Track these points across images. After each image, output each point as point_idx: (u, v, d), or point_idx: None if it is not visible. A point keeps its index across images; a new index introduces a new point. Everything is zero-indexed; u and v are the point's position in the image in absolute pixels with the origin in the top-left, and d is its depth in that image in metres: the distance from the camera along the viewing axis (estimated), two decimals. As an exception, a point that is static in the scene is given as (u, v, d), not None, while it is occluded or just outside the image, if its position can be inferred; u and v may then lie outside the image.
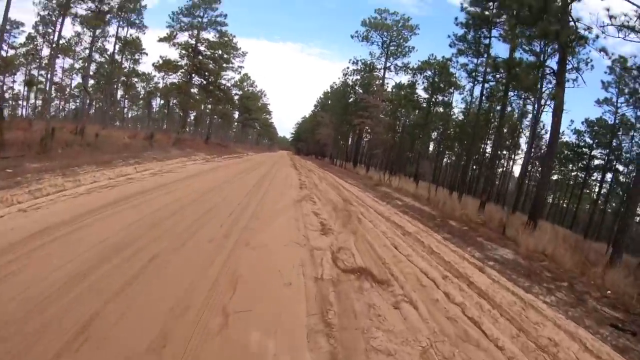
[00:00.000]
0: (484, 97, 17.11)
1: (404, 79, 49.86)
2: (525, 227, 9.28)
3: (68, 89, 35.47)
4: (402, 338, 2.55)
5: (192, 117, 49.53)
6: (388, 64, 27.91)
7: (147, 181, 7.11)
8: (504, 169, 32.76)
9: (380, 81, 28.05)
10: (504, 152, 32.05)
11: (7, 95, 33.58)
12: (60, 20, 22.58)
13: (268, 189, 8.45)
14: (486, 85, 16.52)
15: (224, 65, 28.99)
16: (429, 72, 25.98)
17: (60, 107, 39.14)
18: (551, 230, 9.70)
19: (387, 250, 4.80)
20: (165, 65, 28.26)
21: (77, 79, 29.52)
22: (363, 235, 5.29)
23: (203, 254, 3.33)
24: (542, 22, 8.81)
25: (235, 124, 55.33)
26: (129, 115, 51.74)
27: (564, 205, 35.49)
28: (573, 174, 32.94)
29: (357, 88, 31.53)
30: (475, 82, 17.92)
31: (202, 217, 4.67)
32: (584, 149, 29.17)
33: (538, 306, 3.86)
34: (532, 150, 26.59)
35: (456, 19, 17.25)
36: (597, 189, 26.96)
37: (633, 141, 21.40)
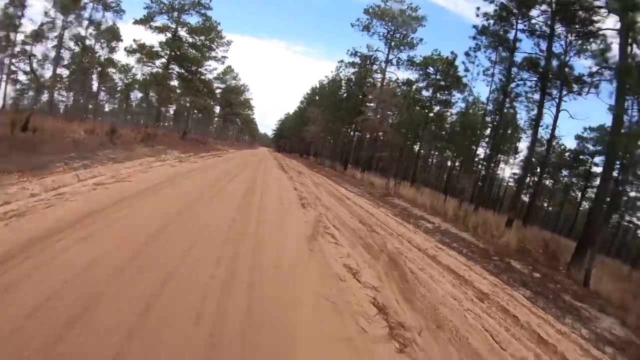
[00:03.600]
0: (508, 96, 14.80)
1: (406, 74, 47.42)
2: (573, 259, 7.32)
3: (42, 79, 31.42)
4: None
5: (172, 112, 46.35)
6: (391, 57, 25.02)
7: (79, 201, 4.59)
8: (489, 173, 30.91)
9: (382, 75, 25.35)
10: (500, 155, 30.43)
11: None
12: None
13: (260, 213, 5.85)
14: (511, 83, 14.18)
15: (207, 53, 26.10)
16: (432, 69, 24.09)
17: (36, 98, 35.03)
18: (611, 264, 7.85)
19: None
20: (140, 50, 25.06)
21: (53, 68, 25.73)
22: (464, 338, 2.98)
23: None
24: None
25: (216, 119, 51.96)
26: (106, 109, 48.06)
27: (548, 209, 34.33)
28: (564, 179, 31.83)
29: (351, 84, 28.98)
30: (493, 79, 15.78)
31: (139, 326, 1.95)
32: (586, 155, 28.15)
33: None
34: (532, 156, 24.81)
35: (478, 9, 14.96)
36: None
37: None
